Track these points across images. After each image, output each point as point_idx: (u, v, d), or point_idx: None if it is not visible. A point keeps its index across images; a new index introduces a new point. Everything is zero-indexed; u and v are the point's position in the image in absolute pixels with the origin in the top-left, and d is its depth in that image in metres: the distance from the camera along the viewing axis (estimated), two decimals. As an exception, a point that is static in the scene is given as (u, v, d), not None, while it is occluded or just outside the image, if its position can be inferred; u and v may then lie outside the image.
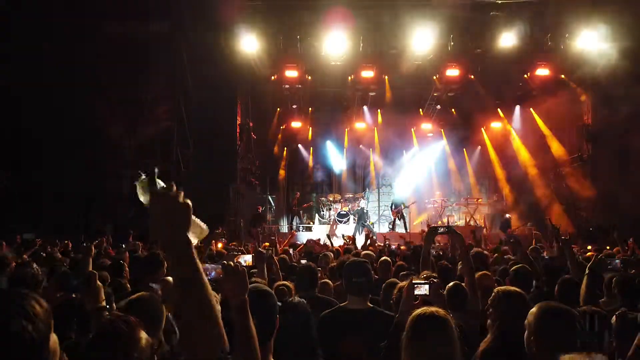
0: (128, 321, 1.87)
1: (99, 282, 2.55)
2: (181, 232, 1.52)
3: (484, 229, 14.97)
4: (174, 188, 1.57)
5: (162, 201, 1.54)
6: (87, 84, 14.51)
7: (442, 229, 4.46)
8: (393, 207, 18.64)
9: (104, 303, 2.54)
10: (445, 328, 2.14)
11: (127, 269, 5.22)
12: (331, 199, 19.52)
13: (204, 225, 1.69)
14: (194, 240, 1.61)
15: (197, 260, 1.51)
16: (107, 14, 14.92)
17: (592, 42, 14.54)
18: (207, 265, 2.76)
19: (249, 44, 15.10)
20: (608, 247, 9.52)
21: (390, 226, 18.87)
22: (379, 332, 2.82)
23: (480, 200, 19.27)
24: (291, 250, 7.34)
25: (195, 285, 1.47)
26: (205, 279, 1.50)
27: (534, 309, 2.23)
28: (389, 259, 6.10)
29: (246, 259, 4.18)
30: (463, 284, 3.84)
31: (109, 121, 15.19)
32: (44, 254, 6.73)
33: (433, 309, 2.21)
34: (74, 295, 2.65)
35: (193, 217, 1.62)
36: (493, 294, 2.77)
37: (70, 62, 13.43)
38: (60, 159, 13.74)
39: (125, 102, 15.30)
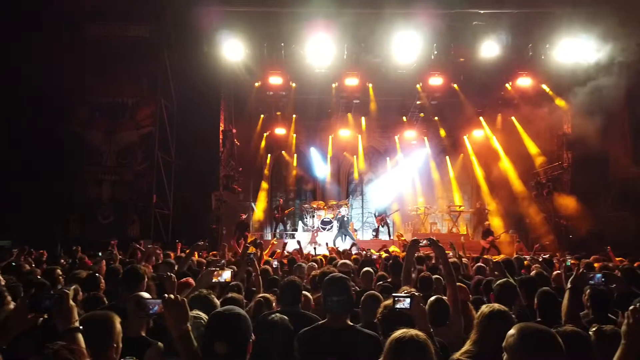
0: (73, 350, 1.84)
1: (72, 302, 2.45)
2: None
3: (462, 237, 15.04)
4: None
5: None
6: (66, 87, 14.27)
7: (424, 241, 4.41)
8: (376, 214, 18.67)
9: (77, 323, 2.44)
10: (424, 353, 2.09)
11: (102, 280, 5.06)
12: (314, 206, 19.45)
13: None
14: None
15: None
16: (87, 17, 14.72)
17: (572, 53, 14.79)
18: (149, 300, 2.78)
19: (233, 50, 15.01)
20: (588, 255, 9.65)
21: (374, 233, 18.89)
22: (358, 352, 2.75)
23: (462, 208, 19.40)
24: (275, 263, 7.22)
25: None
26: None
27: (512, 331, 2.17)
28: (371, 269, 6.06)
29: (225, 276, 4.06)
30: (444, 297, 3.81)
31: (88, 126, 14.96)
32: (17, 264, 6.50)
33: (413, 332, 2.16)
34: (45, 316, 2.53)
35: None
36: (482, 308, 2.75)
37: (49, 65, 13.19)
38: (38, 163, 13.46)
39: (105, 106, 15.08)
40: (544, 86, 16.76)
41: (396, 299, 2.74)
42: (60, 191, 14.12)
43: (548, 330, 2.16)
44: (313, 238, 16.84)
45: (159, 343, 3.00)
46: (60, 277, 5.16)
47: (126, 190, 14.81)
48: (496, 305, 2.75)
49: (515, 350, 2.07)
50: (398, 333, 2.16)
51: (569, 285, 3.56)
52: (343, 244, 15.95)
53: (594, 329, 2.91)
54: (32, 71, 12.88)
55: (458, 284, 4.55)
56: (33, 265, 6.76)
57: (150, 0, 14.77)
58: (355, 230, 19.61)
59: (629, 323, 2.36)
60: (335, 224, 18.01)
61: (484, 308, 2.74)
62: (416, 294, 2.83)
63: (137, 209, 14.71)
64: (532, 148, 17.95)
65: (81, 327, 2.39)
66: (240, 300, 3.84)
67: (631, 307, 2.40)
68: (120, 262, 6.63)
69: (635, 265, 6.91)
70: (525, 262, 7.83)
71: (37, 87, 13.23)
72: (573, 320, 3.27)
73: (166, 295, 2.28)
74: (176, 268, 5.92)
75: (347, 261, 7.11)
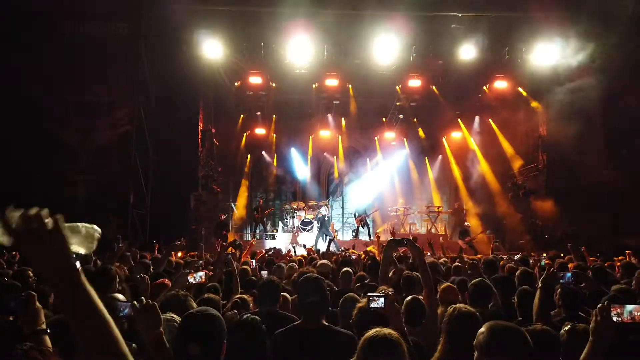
0: (43, 352, 1.79)
1: (38, 304, 2.40)
2: (62, 257, 1.30)
3: (440, 238, 15.22)
4: (32, 212, 1.32)
5: (27, 233, 1.30)
6: (42, 85, 13.96)
7: (401, 242, 4.44)
8: (356, 215, 18.75)
9: (44, 325, 2.39)
10: (397, 352, 2.10)
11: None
12: (294, 206, 19.43)
13: (89, 229, 1.47)
14: (82, 250, 1.43)
15: (88, 287, 1.31)
16: (63, 15, 14.44)
17: (548, 56, 15.10)
18: (119, 302, 2.74)
19: (213, 49, 14.90)
20: (562, 255, 9.87)
21: (354, 234, 18.97)
22: (333, 352, 2.75)
23: (441, 208, 19.61)
24: (254, 262, 7.19)
25: (93, 314, 1.29)
26: (99, 304, 1.32)
27: (482, 329, 2.19)
28: (350, 269, 6.07)
29: (200, 276, 4.03)
30: (421, 297, 3.84)
31: (64, 124, 14.66)
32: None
33: (386, 330, 2.17)
34: (11, 318, 2.48)
35: (74, 226, 1.43)
36: (448, 310, 2.76)
37: (24, 62, 12.90)
38: (11, 162, 13.13)
39: (82, 105, 14.80)
40: (520, 89, 17.07)
41: (371, 298, 2.76)
42: (35, 191, 13.80)
43: (518, 329, 2.19)
44: (294, 238, 16.83)
45: (133, 345, 2.96)
46: (32, 279, 5.05)
47: (102, 190, 14.55)
48: (462, 306, 2.78)
49: (485, 348, 2.09)
50: (371, 332, 2.17)
51: (539, 284, 3.63)
52: (324, 245, 15.96)
53: (567, 327, 2.97)
54: (5, 68, 12.57)
55: (447, 284, 4.60)
56: (5, 266, 6.61)
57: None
58: (336, 231, 19.65)
59: (597, 320, 2.43)
60: (315, 224, 18.04)
61: (450, 310, 2.76)
62: (390, 293, 2.84)
63: (113, 209, 14.47)
64: (509, 150, 18.26)
65: (48, 330, 2.35)
66: (217, 301, 3.81)
67: (599, 305, 2.46)
68: (94, 263, 6.51)
69: (606, 265, 7.08)
70: (502, 261, 7.95)
71: (11, 84, 12.90)
72: (543, 319, 3.33)
73: (135, 301, 2.24)
74: (151, 269, 5.85)
75: (326, 262, 7.12)
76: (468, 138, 20.10)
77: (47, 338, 2.34)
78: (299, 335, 3.01)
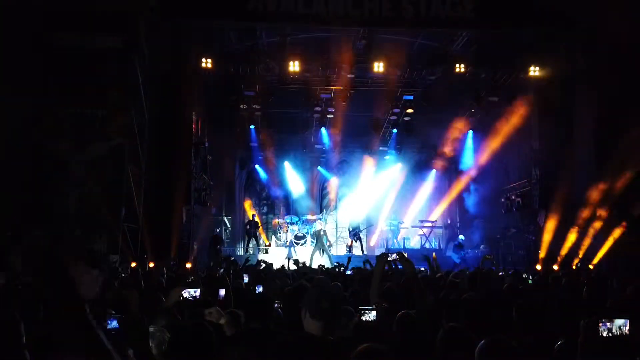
0: None
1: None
2: (72, 293, 1.44)
3: (433, 252, 15.24)
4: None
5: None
6: (34, 96, 13.92)
7: (393, 255, 4.44)
8: (351, 229, 18.73)
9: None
10: None
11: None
12: (288, 220, 19.40)
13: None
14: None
15: (93, 323, 1.44)
16: (57, 26, 14.45)
17: (541, 71, 15.27)
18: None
19: (207, 62, 14.99)
20: (556, 268, 9.91)
21: (348, 249, 18.93)
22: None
23: (434, 222, 19.63)
24: (246, 278, 7.15)
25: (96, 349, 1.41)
26: (104, 339, 1.43)
27: (482, 342, 2.28)
28: (339, 283, 6.05)
29: (193, 293, 4.00)
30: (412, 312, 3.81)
31: (56, 136, 14.58)
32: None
33: (376, 345, 2.16)
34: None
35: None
36: (441, 329, 2.76)
37: (16, 73, 12.88)
38: (2, 175, 13.03)
39: (74, 117, 14.73)
40: (514, 103, 17.20)
41: (362, 311, 2.75)
42: (25, 204, 13.67)
43: (509, 344, 2.21)
44: (292, 252, 16.81)
45: (130, 350, 2.92)
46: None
47: (94, 203, 14.43)
48: (452, 325, 2.78)
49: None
50: (362, 347, 2.16)
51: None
52: (321, 260, 15.93)
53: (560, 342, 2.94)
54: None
55: None
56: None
57: (123, 12, 14.61)
58: (330, 246, 19.61)
59: (584, 335, 2.42)
60: (310, 239, 18.01)
61: (440, 332, 2.76)
62: (382, 306, 2.83)
63: (105, 222, 14.33)
64: (503, 164, 18.35)
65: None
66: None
67: (586, 320, 2.45)
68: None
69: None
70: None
71: (4, 98, 12.86)
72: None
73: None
74: (143, 284, 5.81)
75: (322, 277, 7.11)
76: (462, 152, 20.20)
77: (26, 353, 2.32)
78: (305, 341, 2.96)
